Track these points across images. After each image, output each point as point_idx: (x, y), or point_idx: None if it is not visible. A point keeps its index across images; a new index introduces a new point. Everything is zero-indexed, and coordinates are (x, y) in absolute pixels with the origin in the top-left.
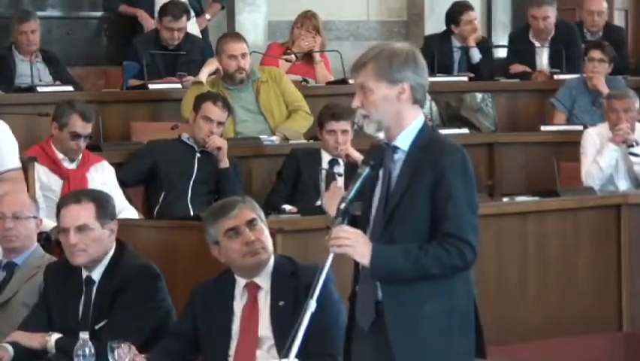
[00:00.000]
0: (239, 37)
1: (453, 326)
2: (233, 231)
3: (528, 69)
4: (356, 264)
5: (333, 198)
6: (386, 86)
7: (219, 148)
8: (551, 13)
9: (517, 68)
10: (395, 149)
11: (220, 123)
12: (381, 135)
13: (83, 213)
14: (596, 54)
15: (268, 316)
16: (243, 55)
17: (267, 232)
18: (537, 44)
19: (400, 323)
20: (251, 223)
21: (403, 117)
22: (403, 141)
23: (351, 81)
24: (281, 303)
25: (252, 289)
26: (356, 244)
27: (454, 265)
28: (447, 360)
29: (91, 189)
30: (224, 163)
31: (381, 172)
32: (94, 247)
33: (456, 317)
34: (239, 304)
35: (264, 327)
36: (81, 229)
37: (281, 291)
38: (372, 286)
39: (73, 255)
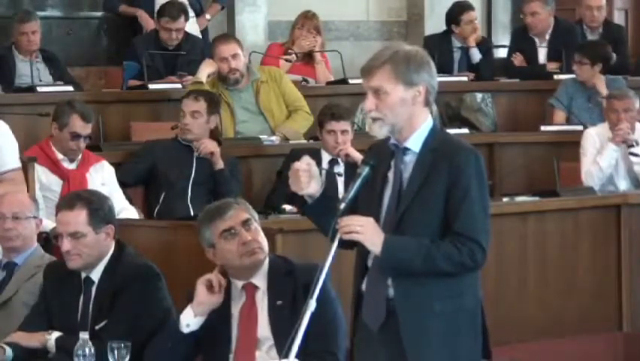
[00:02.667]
0: (228, 39)
1: (461, 326)
2: (229, 232)
3: (528, 62)
4: (358, 263)
5: (300, 175)
6: (403, 88)
7: (212, 153)
8: (540, 9)
9: (518, 57)
10: (406, 150)
11: (195, 112)
12: (389, 137)
13: (75, 220)
14: (577, 57)
15: (266, 316)
16: (234, 56)
17: (261, 233)
18: (537, 41)
19: (412, 322)
20: (246, 224)
21: (414, 119)
22: (414, 143)
23: (351, 81)
24: (278, 303)
25: (250, 289)
26: (367, 231)
27: (464, 264)
28: (455, 360)
29: (86, 192)
30: (219, 165)
31: (391, 173)
32: (88, 253)
33: (463, 318)
34: (236, 305)
35: (263, 327)
36: (74, 235)
37: (278, 290)
38: (383, 285)
39: (68, 260)
